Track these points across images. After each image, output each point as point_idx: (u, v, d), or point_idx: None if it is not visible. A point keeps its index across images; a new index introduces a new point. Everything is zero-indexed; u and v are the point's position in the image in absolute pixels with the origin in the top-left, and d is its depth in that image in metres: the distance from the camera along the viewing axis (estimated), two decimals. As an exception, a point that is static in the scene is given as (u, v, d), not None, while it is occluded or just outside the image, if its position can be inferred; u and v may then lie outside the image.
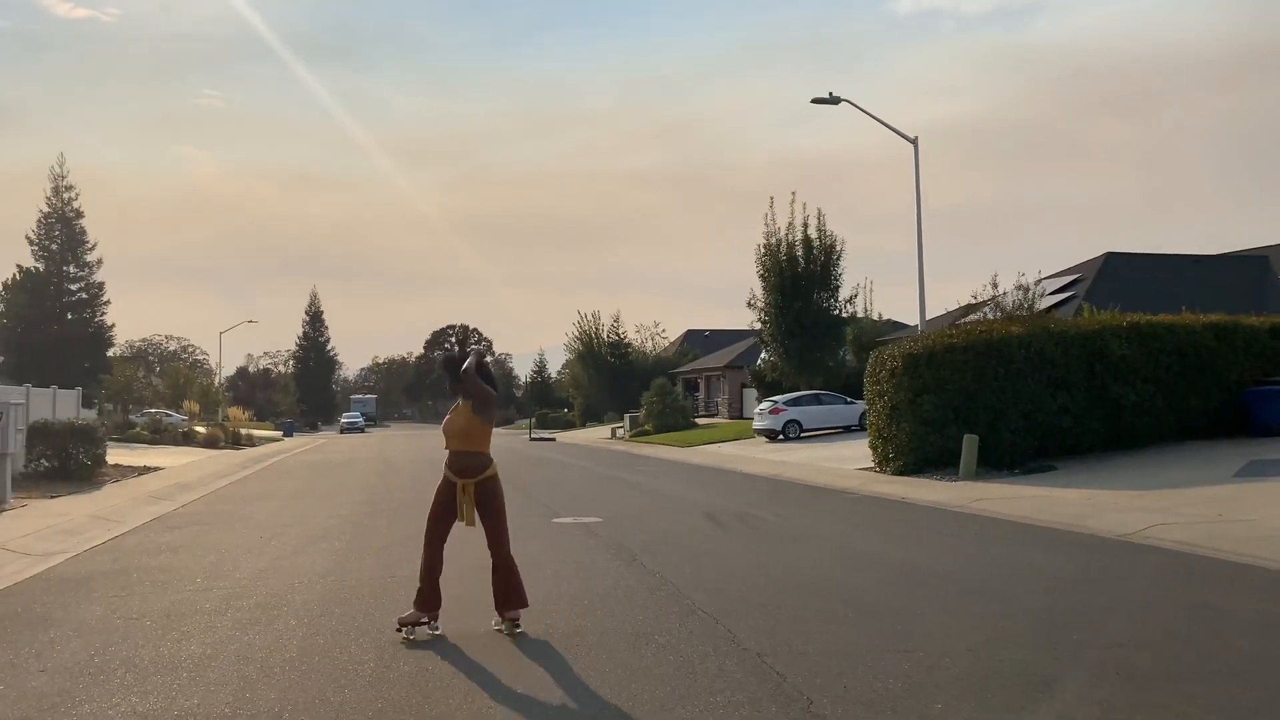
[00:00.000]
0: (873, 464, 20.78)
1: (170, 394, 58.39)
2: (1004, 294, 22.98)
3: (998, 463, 18.75)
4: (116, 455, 28.49)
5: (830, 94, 21.18)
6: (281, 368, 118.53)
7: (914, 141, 21.72)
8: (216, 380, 59.30)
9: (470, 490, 6.57)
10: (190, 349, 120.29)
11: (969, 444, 18.32)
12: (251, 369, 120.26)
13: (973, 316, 29.89)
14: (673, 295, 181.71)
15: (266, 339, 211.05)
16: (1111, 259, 32.44)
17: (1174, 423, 19.98)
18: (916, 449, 19.22)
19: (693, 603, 7.17)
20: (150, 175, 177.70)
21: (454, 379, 6.64)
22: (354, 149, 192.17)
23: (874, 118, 21.53)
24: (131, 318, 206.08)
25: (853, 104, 21.35)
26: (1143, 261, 32.53)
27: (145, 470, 23.13)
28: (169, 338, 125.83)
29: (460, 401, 6.63)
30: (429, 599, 6.59)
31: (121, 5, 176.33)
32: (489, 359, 7.53)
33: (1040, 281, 28.19)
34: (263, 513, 14.55)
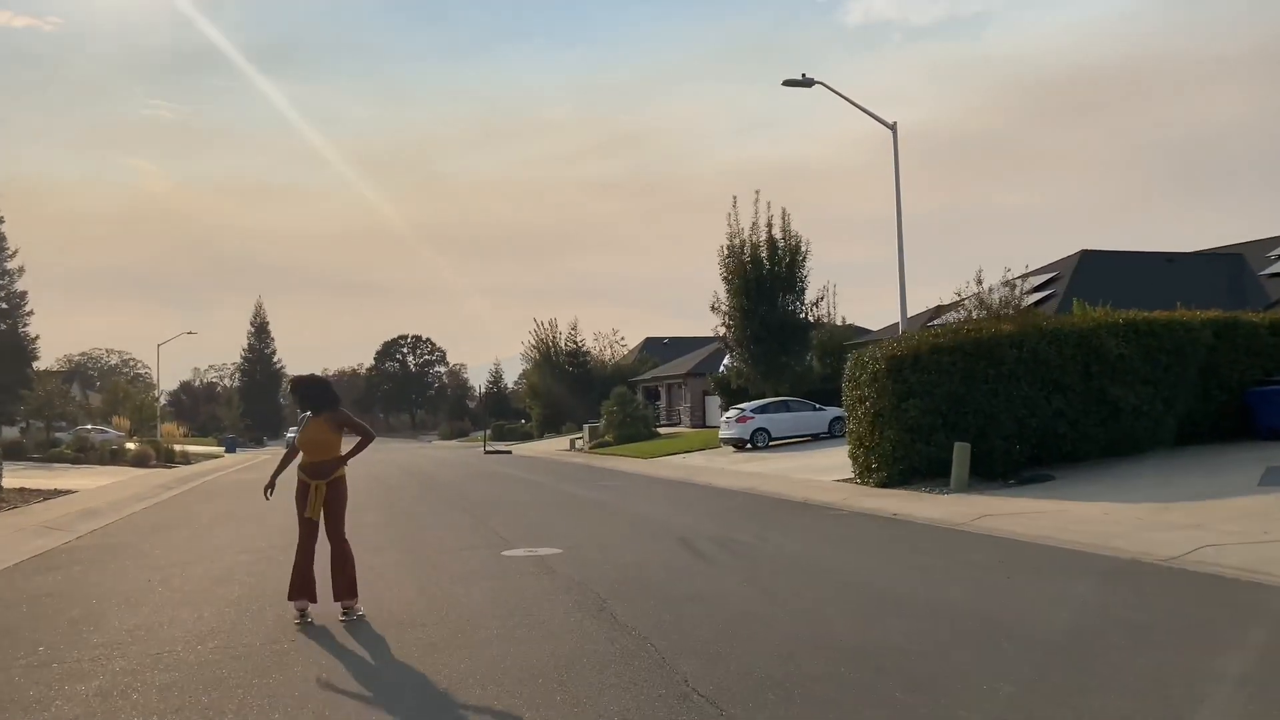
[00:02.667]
0: (853, 475, 19.19)
1: (108, 410, 55.46)
2: (989, 290, 21.53)
3: (990, 472, 17.25)
4: (26, 478, 26.10)
5: (803, 75, 19.63)
6: (227, 381, 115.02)
7: (892, 127, 20.24)
8: (155, 395, 56.39)
9: (322, 489, 7.67)
10: (132, 363, 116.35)
11: (960, 453, 16.78)
12: (196, 383, 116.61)
13: (944, 318, 28.58)
14: (631, 304, 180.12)
15: (215, 352, 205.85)
16: (1087, 256, 31.35)
17: (1173, 426, 18.61)
18: (902, 458, 17.65)
19: (684, 678, 5.39)
20: (97, 188, 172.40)
21: (309, 403, 7.84)
22: (308, 159, 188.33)
23: (850, 101, 20.05)
24: (75, 332, 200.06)
25: (827, 86, 19.82)
26: (1118, 259, 31.48)
27: (54, 494, 20.86)
28: (110, 351, 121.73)
29: (312, 417, 7.78)
30: (300, 588, 7.57)
31: (64, 14, 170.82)
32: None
33: (1012, 280, 26.95)
34: (166, 546, 12.55)
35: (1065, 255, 32.03)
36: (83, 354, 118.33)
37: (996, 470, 17.33)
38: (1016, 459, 17.58)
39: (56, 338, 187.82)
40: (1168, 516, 11.99)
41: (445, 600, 7.97)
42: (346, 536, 7.73)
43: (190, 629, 7.23)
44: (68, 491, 21.73)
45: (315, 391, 7.93)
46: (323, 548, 7.62)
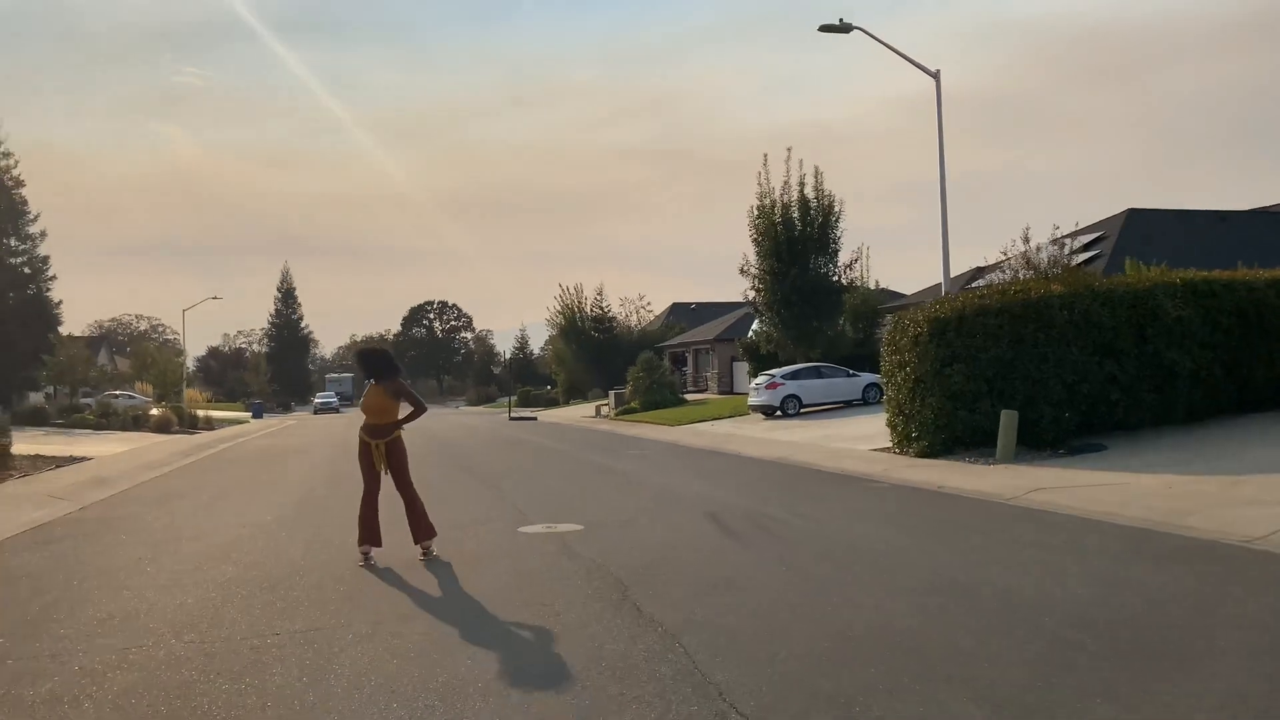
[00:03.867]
0: (891, 444, 18.29)
1: (136, 375, 55.35)
2: (1036, 249, 20.38)
3: (1037, 441, 16.30)
4: (44, 444, 25.75)
5: (840, 20, 18.49)
6: (256, 347, 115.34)
7: (935, 75, 19.07)
8: (182, 359, 56.22)
9: (381, 448, 8.61)
10: (161, 328, 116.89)
11: (1007, 421, 15.83)
12: (226, 349, 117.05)
13: (984, 280, 27.44)
14: (657, 270, 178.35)
15: (244, 318, 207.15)
16: (1134, 216, 29.99)
17: (1233, 393, 17.52)
18: (944, 427, 16.72)
19: (719, 690, 4.58)
20: (128, 155, 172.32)
21: (371, 371, 8.79)
22: (332, 126, 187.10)
23: (890, 48, 18.89)
24: (105, 298, 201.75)
25: (865, 31, 18.68)
26: (1166, 218, 30.09)
27: (68, 461, 20.41)
28: (139, 317, 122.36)
29: (374, 384, 8.72)
30: (366, 535, 8.56)
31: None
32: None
33: (1062, 239, 25.75)
34: (169, 518, 11.90)
35: (1109, 215, 30.66)
36: (113, 319, 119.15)
37: (1044, 439, 16.38)
38: (1065, 427, 16.62)
39: (87, 304, 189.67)
40: (1241, 491, 11.03)
41: (451, 586, 7.21)
42: (413, 485, 8.72)
43: (169, 618, 6.51)
44: (82, 459, 21.28)
45: (378, 362, 8.86)
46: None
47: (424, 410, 8.84)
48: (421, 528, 8.56)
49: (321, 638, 5.86)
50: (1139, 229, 28.79)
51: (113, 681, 5.12)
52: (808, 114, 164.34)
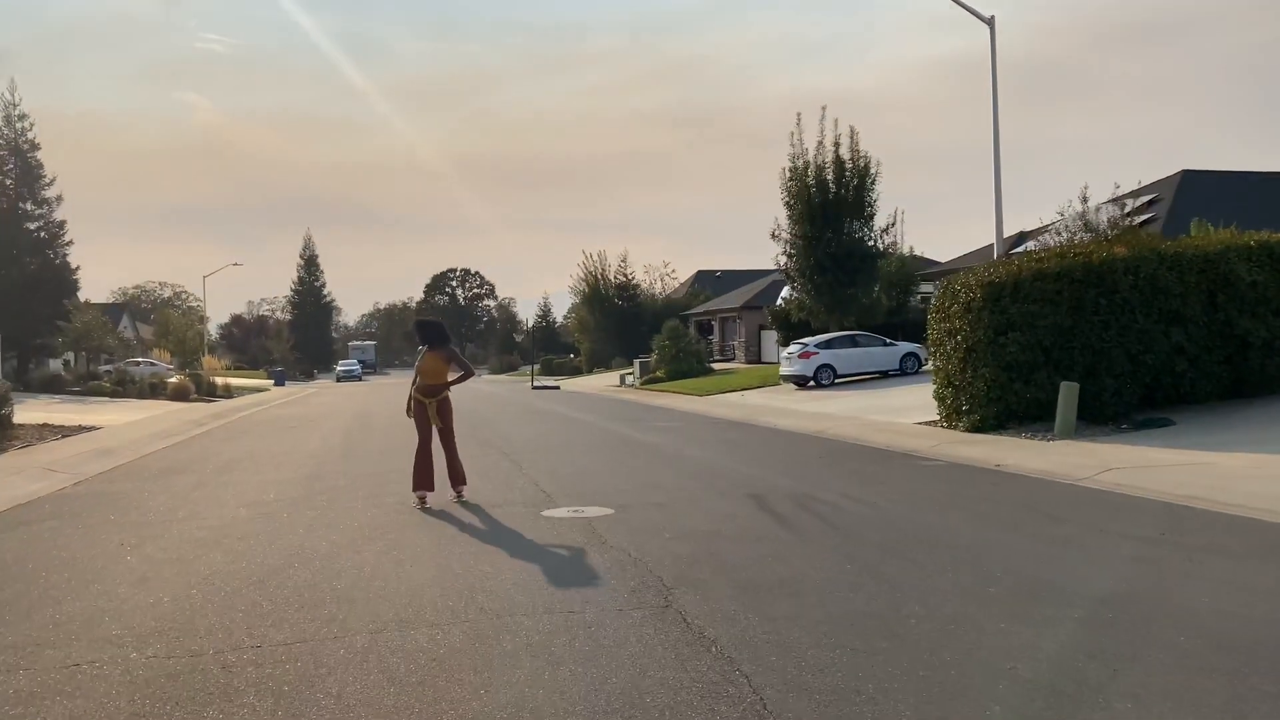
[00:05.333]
0: (939, 417, 17.19)
1: (158, 342, 54.92)
2: (1096, 209, 19.04)
3: (1098, 415, 15.20)
4: (56, 412, 25.07)
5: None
6: (279, 314, 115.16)
7: (989, 21, 17.72)
8: (200, 327, 55.71)
9: (434, 405, 10.08)
10: (184, 295, 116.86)
11: (1067, 393, 14.69)
12: (249, 316, 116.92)
13: (1030, 244, 26.11)
14: (681, 238, 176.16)
15: (268, 286, 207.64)
16: (1189, 177, 28.48)
17: (1307, 366, 16.30)
18: (997, 399, 15.62)
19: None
20: (151, 122, 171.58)
21: (426, 339, 10.27)
22: (356, 93, 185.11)
23: (942, -8, 17.56)
24: (129, 266, 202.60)
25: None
26: (1224, 179, 28.56)
27: (76, 431, 19.65)
28: (163, 284, 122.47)
29: (428, 350, 10.17)
30: (420, 481, 9.79)
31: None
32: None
33: (1109, 201, 24.37)
34: (165, 495, 11.03)
35: (1163, 176, 29.16)
36: (136, 287, 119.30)
37: (1105, 413, 15.26)
38: (1128, 401, 15.47)
39: (112, 271, 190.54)
40: (1346, 474, 9.90)
41: (464, 588, 6.23)
42: (455, 439, 10.24)
43: (136, 622, 5.58)
44: (91, 428, 20.52)
45: (433, 330, 10.37)
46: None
47: (472, 374, 10.73)
48: (457, 476, 10.10)
49: (308, 652, 4.90)
50: (1195, 190, 27.32)
51: (53, 709, 4.19)
52: (834, 81, 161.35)
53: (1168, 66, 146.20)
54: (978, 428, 15.73)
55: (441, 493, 10.05)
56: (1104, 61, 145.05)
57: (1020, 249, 26.84)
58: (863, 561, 6.72)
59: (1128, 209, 20.14)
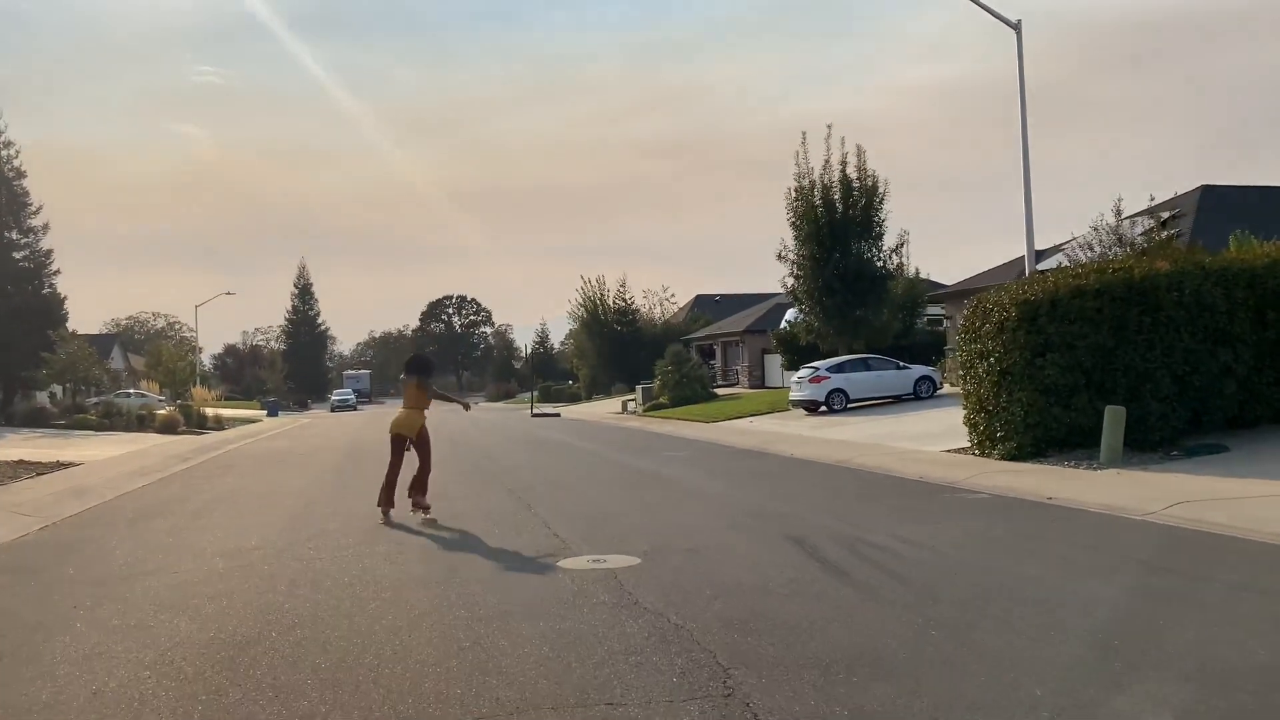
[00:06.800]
0: (969, 444, 16.14)
1: (149, 373, 53.76)
2: (1130, 223, 18.10)
3: (1143, 442, 14.19)
4: (36, 447, 23.99)
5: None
6: (275, 344, 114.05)
7: (1016, 26, 16.85)
8: (196, 356, 54.58)
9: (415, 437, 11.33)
10: (177, 326, 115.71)
11: (1113, 418, 13.68)
12: (243, 346, 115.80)
13: (1050, 262, 25.20)
14: (679, 263, 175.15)
15: (262, 316, 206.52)
16: (1209, 192, 27.65)
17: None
18: (1035, 425, 14.60)
19: None
20: (148, 154, 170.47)
21: (419, 374, 11.60)
22: (352, 123, 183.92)
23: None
24: (123, 297, 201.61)
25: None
26: (1246, 195, 27.71)
27: (54, 467, 18.55)
28: (156, 315, 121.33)
29: (413, 382, 11.56)
30: (386, 500, 10.86)
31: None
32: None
33: (1129, 218, 23.51)
34: (134, 543, 9.93)
35: (1182, 192, 28.33)
36: (129, 318, 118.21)
37: (1151, 439, 14.25)
38: (1175, 425, 14.47)
39: (106, 302, 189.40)
40: None
41: (474, 667, 5.15)
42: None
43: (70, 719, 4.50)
44: (70, 464, 19.41)
45: (415, 364, 11.90)
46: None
47: (428, 403, 11.74)
48: (420, 488, 11.04)
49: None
50: (1216, 205, 26.47)
51: None
52: (831, 107, 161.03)
53: (1160, 87, 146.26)
54: (1014, 455, 14.70)
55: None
56: (1100, 83, 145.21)
57: (1040, 267, 25.95)
58: (947, 625, 5.65)
59: (1153, 223, 19.18)
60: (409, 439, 11.17)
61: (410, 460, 11.19)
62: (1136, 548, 8.13)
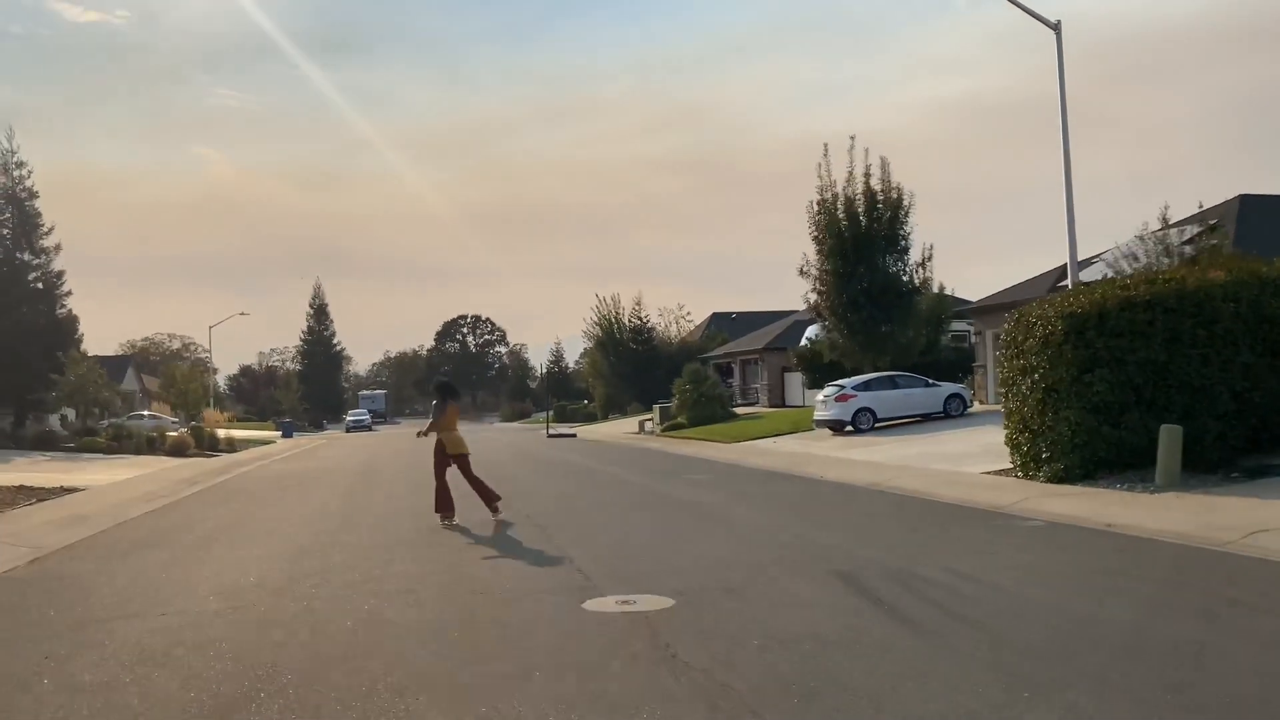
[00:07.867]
0: (1012, 466, 15.29)
1: (164, 395, 53.36)
2: (1180, 231, 17.26)
3: (1200, 463, 13.33)
4: (41, 472, 23.39)
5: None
6: (290, 364, 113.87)
7: (1055, 27, 16.13)
8: (210, 377, 54.16)
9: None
10: (193, 347, 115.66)
11: (1169, 438, 12.83)
12: (258, 367, 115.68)
13: (1083, 276, 24.33)
14: (694, 282, 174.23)
15: (279, 336, 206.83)
16: (1247, 202, 26.79)
17: None
18: (1084, 445, 13.75)
19: None
20: (166, 177, 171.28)
21: (449, 398, 13.10)
22: (366, 144, 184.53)
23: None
24: (141, 319, 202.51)
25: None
26: (1284, 203, 26.84)
27: (57, 493, 17.92)
28: (172, 336, 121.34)
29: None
30: (443, 504, 12.28)
31: (131, 6, 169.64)
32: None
33: (1172, 227, 22.67)
34: (125, 579, 9.21)
35: (1219, 201, 27.46)
36: (145, 339, 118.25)
37: (1209, 459, 13.40)
38: (1233, 445, 13.62)
39: (122, 323, 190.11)
40: None
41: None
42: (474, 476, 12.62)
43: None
44: (73, 490, 18.78)
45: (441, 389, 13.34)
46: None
47: (435, 428, 12.90)
48: (488, 496, 12.53)
49: None
50: (1256, 214, 25.61)
51: None
52: (844, 125, 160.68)
53: (1171, 103, 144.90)
54: (1061, 478, 13.85)
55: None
56: (1109, 99, 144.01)
57: (1064, 283, 25.09)
58: (1034, 682, 4.86)
59: (1200, 229, 18.31)
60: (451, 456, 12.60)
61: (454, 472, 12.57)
62: (1224, 584, 7.31)
